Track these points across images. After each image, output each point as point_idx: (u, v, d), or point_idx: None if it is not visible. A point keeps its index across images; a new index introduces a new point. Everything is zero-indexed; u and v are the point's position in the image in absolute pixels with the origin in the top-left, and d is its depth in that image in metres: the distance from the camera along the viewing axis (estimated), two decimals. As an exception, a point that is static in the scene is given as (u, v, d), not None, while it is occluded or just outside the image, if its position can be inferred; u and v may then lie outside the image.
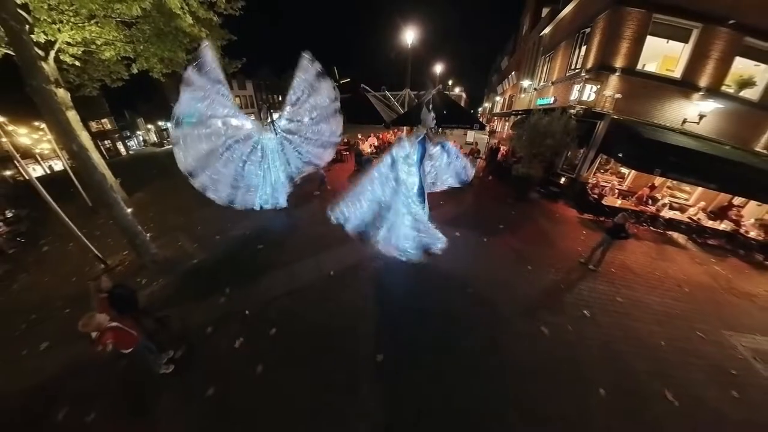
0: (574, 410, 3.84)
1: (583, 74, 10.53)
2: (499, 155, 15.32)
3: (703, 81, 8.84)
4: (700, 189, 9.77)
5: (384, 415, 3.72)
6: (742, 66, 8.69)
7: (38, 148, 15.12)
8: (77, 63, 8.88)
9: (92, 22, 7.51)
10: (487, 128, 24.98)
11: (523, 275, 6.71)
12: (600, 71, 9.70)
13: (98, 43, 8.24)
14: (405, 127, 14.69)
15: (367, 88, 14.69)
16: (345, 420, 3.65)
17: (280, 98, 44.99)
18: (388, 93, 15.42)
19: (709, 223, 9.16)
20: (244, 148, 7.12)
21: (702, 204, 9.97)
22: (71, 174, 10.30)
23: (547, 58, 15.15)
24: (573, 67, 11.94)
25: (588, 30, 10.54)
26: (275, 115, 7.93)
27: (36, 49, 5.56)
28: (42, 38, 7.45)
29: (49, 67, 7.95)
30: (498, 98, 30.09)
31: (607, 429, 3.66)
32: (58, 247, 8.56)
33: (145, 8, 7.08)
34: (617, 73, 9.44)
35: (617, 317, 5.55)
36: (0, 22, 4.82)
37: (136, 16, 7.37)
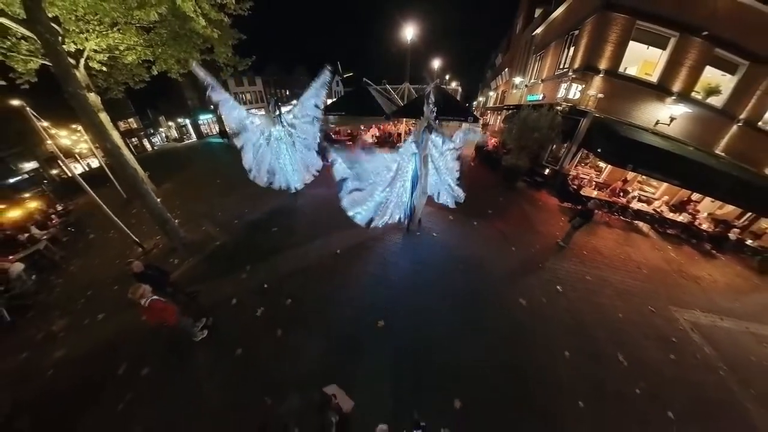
0: (545, 368, 4.34)
1: (570, 74, 10.61)
2: (490, 145, 15.58)
3: (676, 86, 9.05)
4: (665, 184, 10.14)
5: (384, 371, 4.13)
6: (710, 75, 8.91)
7: (77, 148, 15.70)
8: (104, 68, 9.19)
9: (115, 29, 7.68)
10: (481, 121, 24.99)
11: (507, 255, 7.11)
12: (586, 72, 9.79)
13: (121, 48, 8.45)
14: (404, 119, 14.76)
15: (369, 82, 14.57)
16: (352, 373, 4.06)
17: (287, 92, 45.73)
18: (388, 86, 15.35)
19: (670, 215, 9.66)
20: (262, 139, 7.70)
21: (666, 198, 10.43)
22: (107, 170, 10.65)
23: (538, 57, 15.07)
24: (561, 66, 11.94)
25: (576, 32, 10.53)
26: (285, 109, 8.11)
27: (68, 59, 5.76)
28: (72, 47, 7.67)
29: (80, 74, 8.14)
30: (491, 93, 29.75)
31: (569, 384, 4.16)
32: (102, 234, 8.91)
33: (162, 13, 7.20)
34: (601, 75, 9.55)
35: (585, 293, 6.01)
36: (37, 36, 5.06)
37: (153, 21, 7.51)
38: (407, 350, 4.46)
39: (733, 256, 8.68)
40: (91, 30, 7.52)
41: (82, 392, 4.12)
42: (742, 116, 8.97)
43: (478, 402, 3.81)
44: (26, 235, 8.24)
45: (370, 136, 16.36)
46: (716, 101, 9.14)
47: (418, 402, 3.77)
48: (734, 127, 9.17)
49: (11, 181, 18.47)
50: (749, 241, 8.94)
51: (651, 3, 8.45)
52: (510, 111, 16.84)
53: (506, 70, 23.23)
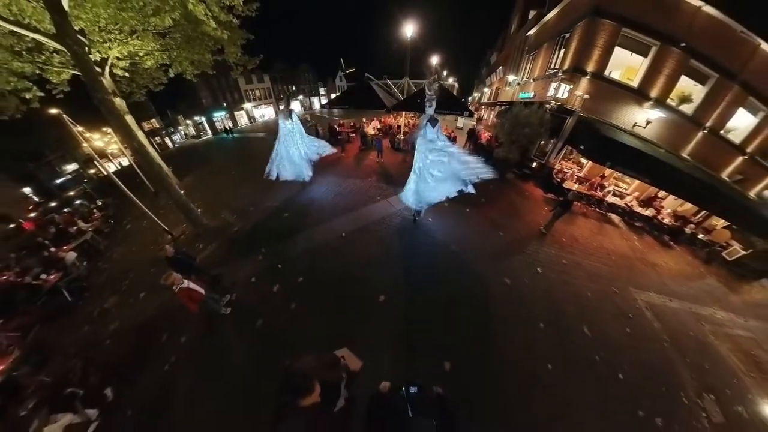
0: (522, 337, 4.81)
1: (559, 74, 10.68)
2: (483, 138, 15.69)
3: (654, 92, 9.25)
4: (637, 181, 10.49)
5: (385, 338, 4.53)
6: (685, 84, 9.12)
7: (109, 149, 16.52)
8: (126, 74, 9.57)
9: (134, 36, 7.91)
10: (475, 116, 24.89)
11: (495, 239, 7.45)
12: (574, 73, 9.88)
13: (141, 54, 8.69)
14: (404, 112, 14.74)
15: (371, 77, 14.44)
16: (356, 340, 4.43)
17: (293, 88, 46.27)
18: (389, 81, 15.18)
19: (638, 209, 10.11)
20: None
21: (636, 194, 10.86)
22: (135, 167, 11.15)
23: (531, 57, 14.96)
24: (552, 67, 11.92)
25: (567, 35, 10.50)
26: (294, 104, 8.29)
27: (95, 67, 5.95)
28: (97, 57, 7.93)
29: (106, 81, 8.33)
30: (486, 89, 29.33)
31: (542, 350, 4.63)
32: (137, 224, 9.34)
33: (175, 18, 7.33)
34: (588, 77, 9.66)
35: (561, 274, 6.42)
36: (66, 48, 5.29)
37: (168, 27, 7.73)
38: (405, 321, 4.83)
39: (686, 248, 9.18)
40: (113, 39, 7.75)
41: (136, 356, 4.59)
42: (707, 124, 9.28)
43: (464, 364, 4.22)
44: (75, 228, 8.91)
45: (371, 128, 16.35)
46: (687, 109, 9.39)
47: (414, 364, 4.17)
48: (700, 134, 9.49)
49: (58, 181, 20.28)
50: (701, 235, 9.45)
51: (637, 12, 8.54)
52: (503, 107, 16.84)
53: (500, 68, 22.92)
